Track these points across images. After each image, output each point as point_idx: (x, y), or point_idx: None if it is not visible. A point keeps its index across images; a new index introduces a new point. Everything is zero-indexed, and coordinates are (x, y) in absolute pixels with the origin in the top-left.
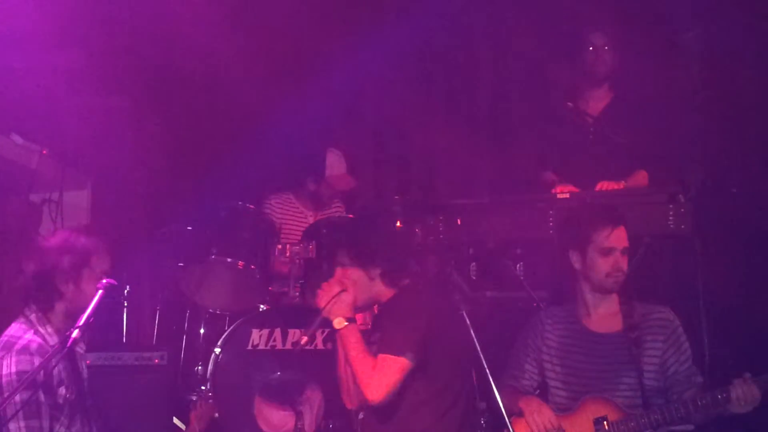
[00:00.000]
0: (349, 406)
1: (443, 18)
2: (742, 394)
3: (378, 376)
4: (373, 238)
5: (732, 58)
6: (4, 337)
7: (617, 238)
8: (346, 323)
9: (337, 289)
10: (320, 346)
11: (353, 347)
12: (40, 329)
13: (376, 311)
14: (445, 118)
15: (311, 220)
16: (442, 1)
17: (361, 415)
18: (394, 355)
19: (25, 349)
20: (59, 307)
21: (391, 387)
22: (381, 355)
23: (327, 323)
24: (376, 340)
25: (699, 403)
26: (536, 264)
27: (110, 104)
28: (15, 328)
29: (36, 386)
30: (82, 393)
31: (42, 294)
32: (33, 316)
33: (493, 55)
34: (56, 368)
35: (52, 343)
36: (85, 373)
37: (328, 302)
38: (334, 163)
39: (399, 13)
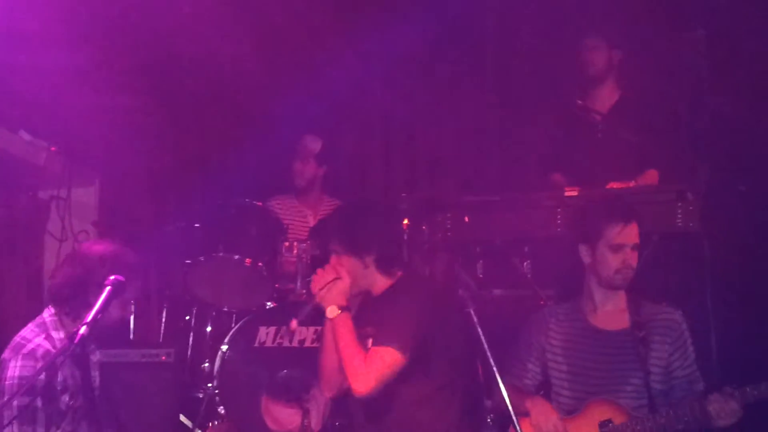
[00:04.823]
0: (327, 395)
1: (450, 14)
2: (719, 410)
3: (368, 367)
4: (362, 224)
5: (740, 57)
6: (17, 338)
7: (628, 234)
8: (339, 311)
9: (331, 276)
10: None
11: (344, 337)
12: (53, 334)
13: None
14: (453, 115)
15: (312, 220)
16: None
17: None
18: (387, 347)
19: (31, 354)
20: (85, 313)
21: (381, 380)
22: (373, 348)
23: (319, 310)
24: (369, 333)
25: (682, 417)
26: (544, 262)
27: (117, 102)
28: (28, 330)
29: (35, 393)
30: (92, 401)
31: (70, 302)
32: (49, 319)
33: (500, 51)
34: (61, 375)
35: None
36: (97, 381)
37: (322, 289)
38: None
39: (405, 9)
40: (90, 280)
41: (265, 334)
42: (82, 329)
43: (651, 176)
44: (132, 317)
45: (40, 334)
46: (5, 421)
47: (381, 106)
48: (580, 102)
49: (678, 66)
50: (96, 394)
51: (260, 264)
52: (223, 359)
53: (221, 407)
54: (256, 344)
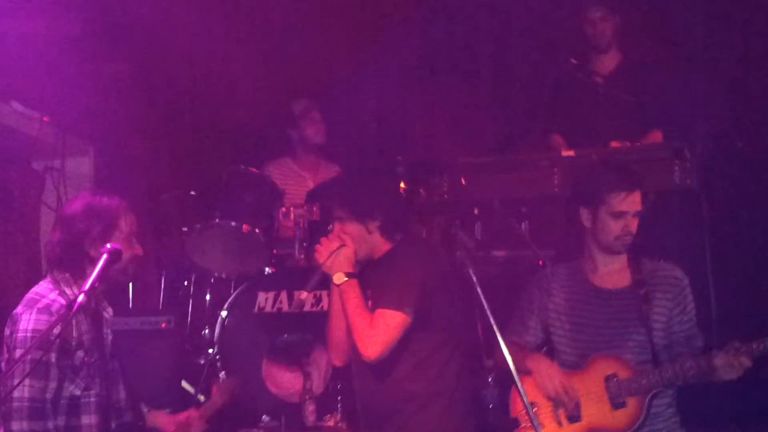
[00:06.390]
0: (336, 364)
1: None
2: (726, 364)
3: (375, 331)
4: (368, 189)
5: (736, 16)
6: (30, 294)
7: (631, 202)
8: (346, 278)
9: (336, 244)
10: (327, 307)
11: (352, 302)
12: (66, 290)
13: None
14: (448, 76)
15: (311, 183)
16: None
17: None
18: (393, 310)
19: (46, 309)
20: (90, 270)
21: (389, 343)
22: (379, 310)
23: (326, 279)
24: (369, 295)
25: (687, 372)
26: (541, 222)
27: (109, 70)
28: (42, 287)
29: (48, 347)
30: (105, 357)
31: (72, 261)
32: (60, 277)
33: (496, 11)
34: (76, 331)
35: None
36: (109, 338)
37: (328, 257)
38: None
39: None
40: (83, 237)
41: (264, 300)
42: (80, 297)
43: (655, 137)
44: (131, 284)
45: (54, 290)
46: (17, 375)
47: (374, 67)
48: (574, 61)
49: (674, 24)
50: (108, 349)
51: (257, 230)
52: (222, 325)
53: (222, 373)
54: (256, 310)
